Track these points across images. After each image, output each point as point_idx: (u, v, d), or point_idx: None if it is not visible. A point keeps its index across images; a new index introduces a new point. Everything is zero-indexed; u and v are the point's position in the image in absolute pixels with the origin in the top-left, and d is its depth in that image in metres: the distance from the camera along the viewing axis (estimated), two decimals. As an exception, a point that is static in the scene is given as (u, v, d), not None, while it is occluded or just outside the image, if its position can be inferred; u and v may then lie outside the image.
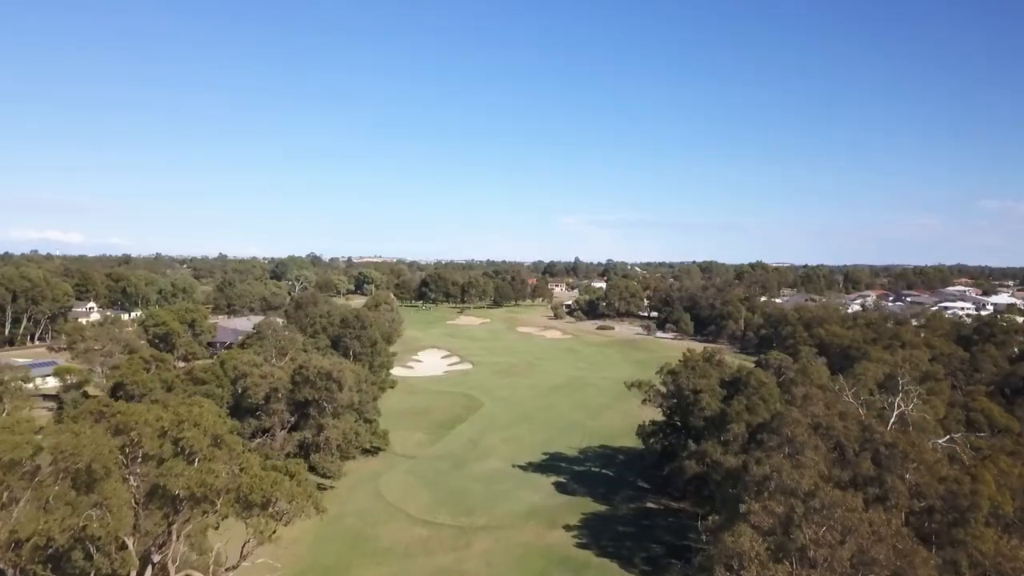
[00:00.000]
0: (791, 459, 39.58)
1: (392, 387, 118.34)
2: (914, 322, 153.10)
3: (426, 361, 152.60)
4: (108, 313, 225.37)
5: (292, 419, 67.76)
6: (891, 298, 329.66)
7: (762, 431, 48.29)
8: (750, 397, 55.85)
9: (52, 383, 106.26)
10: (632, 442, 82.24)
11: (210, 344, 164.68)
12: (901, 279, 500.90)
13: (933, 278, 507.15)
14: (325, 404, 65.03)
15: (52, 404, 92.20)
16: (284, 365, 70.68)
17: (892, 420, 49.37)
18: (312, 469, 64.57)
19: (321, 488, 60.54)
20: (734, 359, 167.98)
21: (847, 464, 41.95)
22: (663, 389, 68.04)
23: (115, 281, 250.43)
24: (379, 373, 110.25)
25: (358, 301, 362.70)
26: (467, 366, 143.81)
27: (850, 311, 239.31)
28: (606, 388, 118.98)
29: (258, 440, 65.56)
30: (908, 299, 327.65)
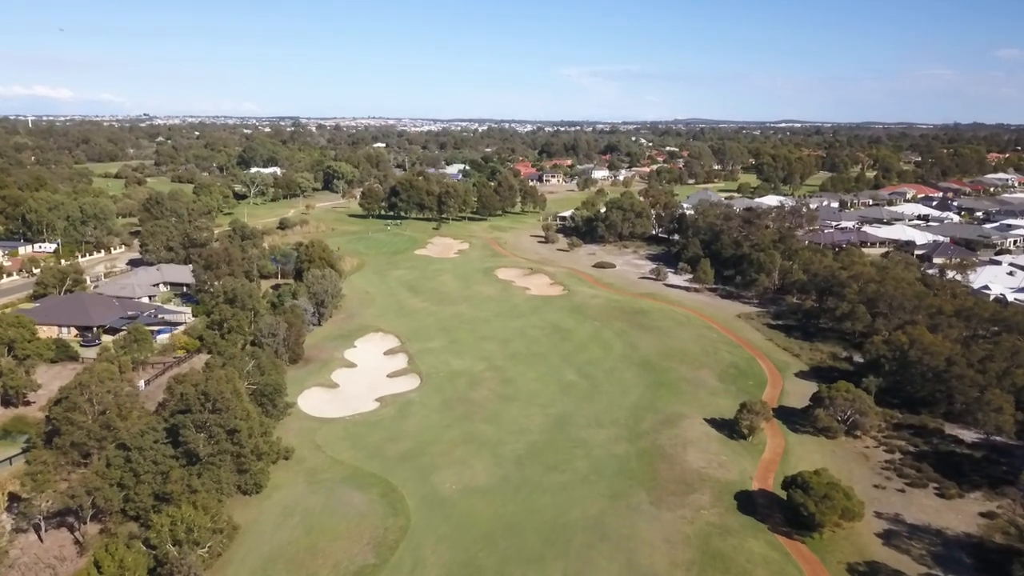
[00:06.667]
0: None
1: (287, 458, 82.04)
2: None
3: (361, 364, 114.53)
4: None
5: None
6: (935, 203, 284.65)
7: None
8: None
9: None
10: None
11: (83, 331, 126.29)
12: (934, 163, 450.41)
13: (969, 160, 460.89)
14: None
15: None
16: None
17: None
18: None
19: None
20: (767, 342, 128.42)
21: None
22: None
23: (13, 206, 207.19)
24: (252, 470, 72.82)
25: (323, 204, 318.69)
26: (413, 382, 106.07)
27: (906, 234, 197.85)
28: (599, 457, 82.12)
29: None
30: (955, 203, 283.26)
